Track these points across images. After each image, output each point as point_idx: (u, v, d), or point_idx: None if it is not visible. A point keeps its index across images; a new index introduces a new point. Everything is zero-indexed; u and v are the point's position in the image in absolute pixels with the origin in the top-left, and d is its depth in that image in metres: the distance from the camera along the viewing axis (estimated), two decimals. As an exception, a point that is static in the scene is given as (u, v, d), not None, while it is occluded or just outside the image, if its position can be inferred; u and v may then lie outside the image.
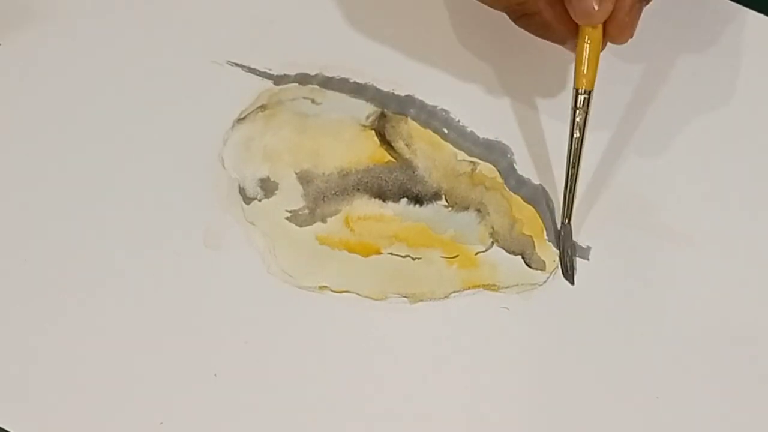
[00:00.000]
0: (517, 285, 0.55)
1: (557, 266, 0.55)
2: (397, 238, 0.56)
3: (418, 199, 0.57)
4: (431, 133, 0.58)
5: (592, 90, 0.53)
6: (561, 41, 0.53)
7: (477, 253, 0.56)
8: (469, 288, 0.55)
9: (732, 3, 0.61)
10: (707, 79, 0.59)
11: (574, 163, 0.54)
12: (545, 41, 0.54)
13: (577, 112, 0.53)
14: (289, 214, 0.56)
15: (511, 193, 0.57)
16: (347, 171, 0.57)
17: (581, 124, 0.53)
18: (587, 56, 0.52)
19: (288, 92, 0.59)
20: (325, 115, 0.58)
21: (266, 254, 0.55)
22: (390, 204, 0.56)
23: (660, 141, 0.58)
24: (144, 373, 0.52)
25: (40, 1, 0.60)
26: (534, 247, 0.56)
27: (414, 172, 0.57)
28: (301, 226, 0.56)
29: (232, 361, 0.53)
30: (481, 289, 0.55)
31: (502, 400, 0.52)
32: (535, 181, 0.57)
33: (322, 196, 0.56)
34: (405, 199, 0.57)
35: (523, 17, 0.53)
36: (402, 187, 0.57)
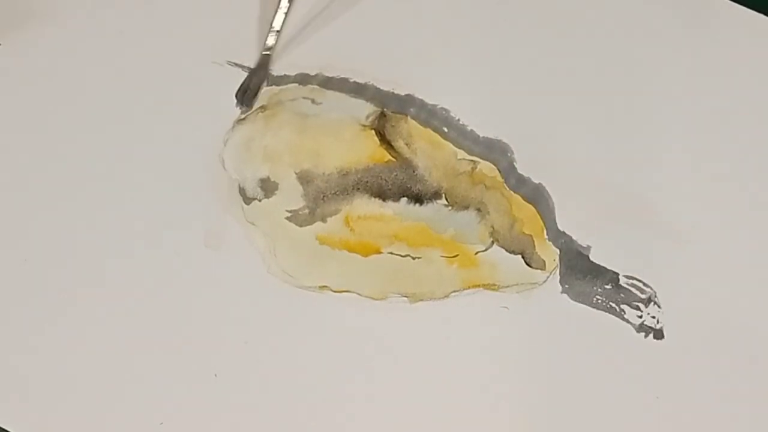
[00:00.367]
0: (517, 284, 0.55)
1: (557, 265, 0.55)
2: (397, 238, 0.56)
3: (418, 199, 0.57)
4: (431, 132, 0.58)
5: None
6: None
7: (477, 253, 0.56)
8: (469, 287, 0.55)
9: (732, 3, 0.60)
10: (707, 79, 0.59)
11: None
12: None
13: None
14: (289, 214, 0.56)
15: (511, 192, 0.57)
16: (347, 170, 0.57)
17: None
18: None
19: (288, 92, 0.59)
20: (325, 115, 0.58)
21: (266, 254, 0.55)
22: (390, 203, 0.56)
23: (660, 141, 0.58)
24: (144, 373, 0.52)
25: (40, 1, 0.60)
26: (534, 246, 0.56)
27: (414, 172, 0.57)
28: (301, 225, 0.56)
29: (232, 361, 0.53)
30: (481, 288, 0.55)
31: (502, 399, 0.52)
32: (535, 180, 0.57)
33: (322, 195, 0.56)
34: (405, 199, 0.57)
35: None
36: (402, 186, 0.57)
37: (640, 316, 0.55)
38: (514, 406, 0.52)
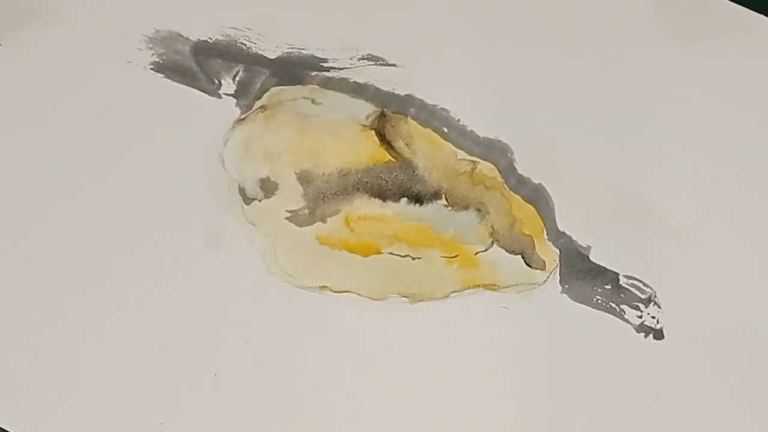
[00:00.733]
0: (517, 284, 0.55)
1: (557, 266, 0.55)
2: (397, 238, 0.56)
3: (418, 199, 0.57)
4: (431, 132, 0.58)
5: None
6: None
7: (477, 253, 0.56)
8: (469, 288, 0.55)
9: (732, 3, 0.60)
10: (707, 79, 0.59)
11: None
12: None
13: None
14: (289, 214, 0.56)
15: (511, 193, 0.57)
16: (347, 171, 0.57)
17: None
18: None
19: (288, 92, 0.59)
20: (325, 115, 0.58)
21: (266, 254, 0.55)
22: (390, 203, 0.56)
23: (660, 141, 0.58)
24: (144, 373, 0.52)
25: (40, 1, 0.60)
26: (534, 246, 0.56)
27: (414, 172, 0.57)
28: (301, 226, 0.56)
29: (232, 361, 0.53)
30: (481, 288, 0.55)
31: (502, 400, 0.52)
32: (536, 180, 0.57)
33: (322, 196, 0.56)
34: (405, 199, 0.57)
35: None
36: (402, 186, 0.57)
37: (640, 316, 0.55)
38: (514, 406, 0.52)
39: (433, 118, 0.59)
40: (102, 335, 0.53)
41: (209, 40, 0.59)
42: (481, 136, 0.58)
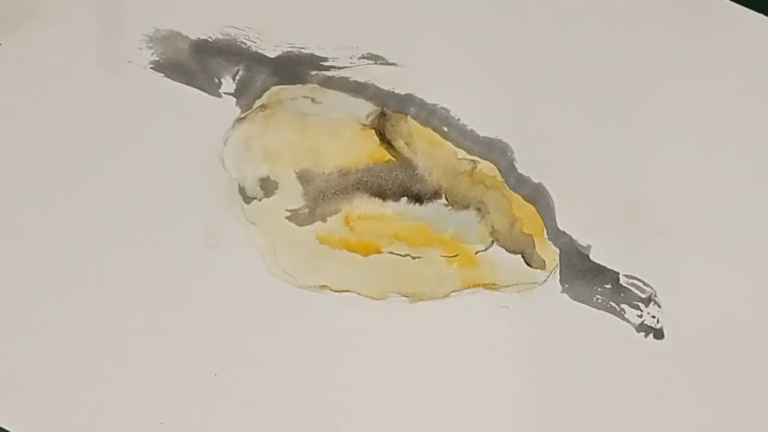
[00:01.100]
0: (517, 284, 0.55)
1: (557, 265, 0.55)
2: (397, 237, 0.56)
3: (418, 198, 0.57)
4: (431, 131, 0.58)
5: None
6: None
7: (477, 252, 0.56)
8: (469, 287, 0.55)
9: (732, 3, 0.60)
10: (707, 79, 0.59)
11: None
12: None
13: None
14: (289, 214, 0.56)
15: (512, 192, 0.57)
16: (347, 170, 0.57)
17: None
18: None
19: (288, 91, 0.59)
20: (325, 114, 0.58)
21: (266, 254, 0.55)
22: (390, 203, 0.56)
23: (660, 141, 0.58)
24: (144, 373, 0.52)
25: (40, 1, 0.60)
26: (534, 245, 0.56)
27: (414, 171, 0.57)
28: (301, 225, 0.56)
29: (232, 361, 0.53)
30: (481, 288, 0.55)
31: (502, 399, 0.53)
32: (535, 179, 0.57)
33: (322, 195, 0.56)
34: (405, 198, 0.57)
35: None
36: (402, 185, 0.57)
37: (641, 316, 0.55)
38: (514, 405, 0.53)
39: (433, 117, 0.59)
40: (102, 335, 0.53)
41: (209, 39, 0.59)
42: (481, 135, 0.58)
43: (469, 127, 0.58)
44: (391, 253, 0.55)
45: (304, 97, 0.59)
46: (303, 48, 0.59)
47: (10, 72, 0.59)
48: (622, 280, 0.55)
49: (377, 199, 0.56)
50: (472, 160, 0.58)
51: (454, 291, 0.55)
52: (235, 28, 0.59)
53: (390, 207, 0.56)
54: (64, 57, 0.59)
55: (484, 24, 0.60)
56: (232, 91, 0.59)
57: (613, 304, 0.55)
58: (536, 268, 0.56)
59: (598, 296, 0.55)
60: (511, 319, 0.54)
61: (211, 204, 0.56)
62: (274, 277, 0.55)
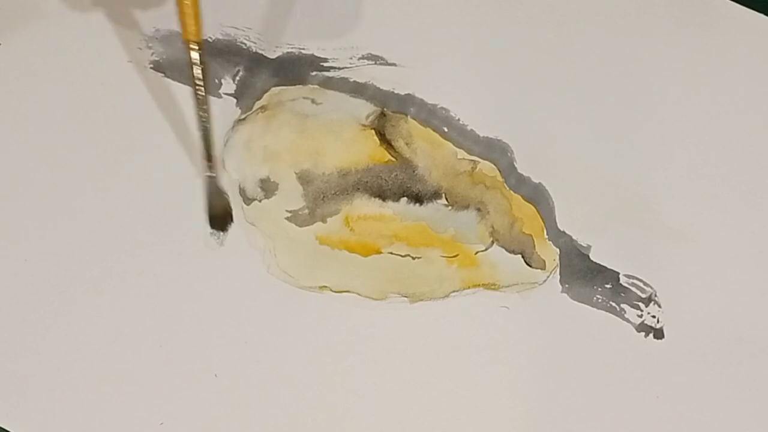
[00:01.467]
0: (517, 284, 0.55)
1: (557, 265, 0.55)
2: (397, 238, 0.56)
3: (418, 198, 0.57)
4: (431, 131, 0.58)
5: (202, 42, 0.53)
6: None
7: (477, 252, 0.56)
8: (469, 287, 0.55)
9: (732, 3, 0.60)
10: (707, 79, 0.59)
11: (206, 118, 0.54)
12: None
13: (195, 67, 0.53)
14: (289, 214, 0.56)
15: (512, 192, 0.57)
16: (347, 171, 0.57)
17: (201, 76, 0.53)
18: (191, 10, 0.52)
19: (288, 92, 0.59)
20: (325, 115, 0.58)
21: (266, 254, 0.55)
22: (390, 203, 0.56)
23: (660, 141, 0.58)
24: (144, 373, 0.52)
25: (40, 1, 0.60)
26: (534, 245, 0.56)
27: (414, 171, 0.57)
28: (301, 226, 0.56)
29: (232, 361, 0.53)
30: (481, 288, 0.55)
31: (502, 399, 0.53)
32: (535, 179, 0.57)
33: (322, 195, 0.56)
34: (405, 199, 0.57)
35: None
36: (402, 186, 0.57)
37: (641, 316, 0.55)
38: (514, 405, 0.53)
39: (433, 117, 0.59)
40: (102, 335, 0.53)
41: (209, 40, 0.59)
42: (481, 135, 0.58)
43: (469, 127, 0.58)
44: (391, 253, 0.55)
45: (304, 97, 0.59)
46: (303, 48, 0.59)
47: (10, 72, 0.59)
48: (622, 280, 0.55)
49: (377, 199, 0.56)
50: (472, 160, 0.58)
51: (454, 291, 0.55)
52: (235, 28, 0.59)
53: (390, 207, 0.56)
54: (64, 57, 0.59)
55: (484, 24, 0.60)
56: (233, 91, 0.59)
57: (613, 304, 0.55)
58: (536, 268, 0.56)
59: (598, 296, 0.55)
60: (511, 319, 0.54)
61: (212, 204, 0.56)
62: (274, 278, 0.55)
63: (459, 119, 0.58)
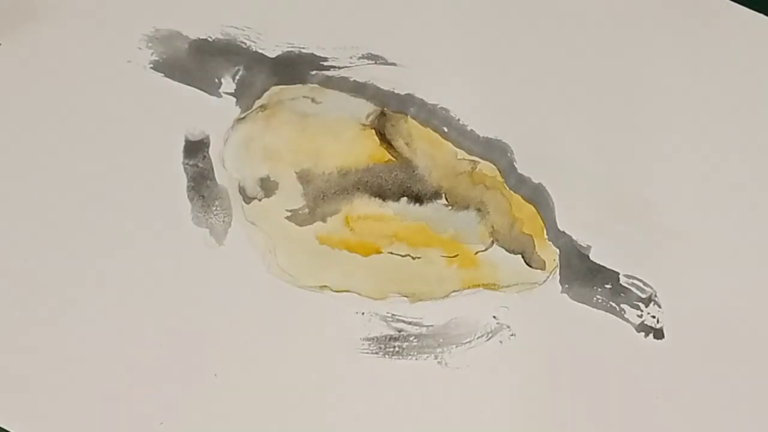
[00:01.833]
0: (517, 284, 0.55)
1: (557, 265, 0.55)
2: (397, 238, 0.56)
3: (418, 198, 0.57)
4: (431, 131, 0.58)
5: None
6: None
7: (477, 252, 0.56)
8: (469, 287, 0.55)
9: (732, 3, 0.60)
10: (707, 79, 0.59)
11: None
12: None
13: None
14: (289, 214, 0.56)
15: (512, 192, 0.57)
16: (347, 170, 0.57)
17: None
18: None
19: (288, 91, 0.59)
20: (325, 115, 0.58)
21: (266, 254, 0.55)
22: (390, 203, 0.56)
23: (660, 141, 0.58)
24: (144, 373, 0.52)
25: (40, 1, 0.60)
26: (534, 246, 0.56)
27: (414, 171, 0.57)
28: (301, 225, 0.56)
29: (232, 361, 0.53)
30: (481, 288, 0.55)
31: (501, 399, 0.52)
32: (535, 179, 0.57)
33: (322, 195, 0.56)
34: (405, 198, 0.57)
35: None
36: (402, 186, 0.57)
37: (641, 316, 0.55)
38: (513, 406, 0.52)
39: (433, 117, 0.58)
40: (102, 335, 0.53)
41: (209, 39, 0.59)
42: (481, 135, 0.58)
43: (469, 127, 0.58)
44: (391, 253, 0.55)
45: (304, 97, 0.59)
46: (303, 48, 0.59)
47: (10, 72, 0.59)
48: (622, 280, 0.55)
49: (377, 199, 0.56)
50: (472, 161, 0.57)
51: (454, 291, 0.55)
52: (235, 28, 0.59)
53: (390, 207, 0.56)
54: (64, 57, 0.59)
55: (484, 24, 0.60)
56: (232, 91, 0.59)
57: (613, 304, 0.55)
58: (536, 268, 0.56)
59: (598, 296, 0.55)
60: (511, 319, 0.54)
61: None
62: (275, 278, 0.54)
63: (459, 119, 0.58)
